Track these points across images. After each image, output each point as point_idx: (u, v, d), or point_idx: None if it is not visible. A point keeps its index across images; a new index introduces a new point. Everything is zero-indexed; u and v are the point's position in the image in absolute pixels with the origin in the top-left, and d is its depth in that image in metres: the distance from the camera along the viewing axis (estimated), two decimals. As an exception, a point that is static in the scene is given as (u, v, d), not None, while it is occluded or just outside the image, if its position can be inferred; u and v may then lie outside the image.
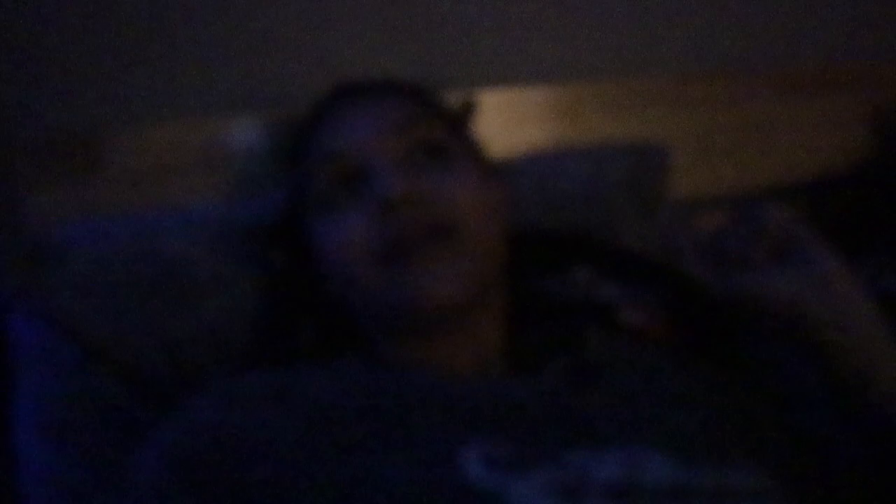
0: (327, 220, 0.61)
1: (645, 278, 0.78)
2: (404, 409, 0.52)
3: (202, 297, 0.72)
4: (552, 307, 0.76)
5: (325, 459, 0.48)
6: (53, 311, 0.70)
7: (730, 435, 0.56)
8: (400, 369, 0.60)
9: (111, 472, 0.58)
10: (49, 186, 0.80)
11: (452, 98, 0.76)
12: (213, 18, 0.88)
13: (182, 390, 0.66)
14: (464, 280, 0.57)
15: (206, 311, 0.72)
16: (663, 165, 0.96)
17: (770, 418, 0.62)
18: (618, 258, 0.82)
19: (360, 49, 0.94)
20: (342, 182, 0.61)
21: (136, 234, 0.74)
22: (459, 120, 0.73)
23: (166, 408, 0.64)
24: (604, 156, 0.92)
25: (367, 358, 0.62)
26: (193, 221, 0.77)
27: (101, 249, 0.73)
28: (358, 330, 0.65)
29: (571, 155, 0.93)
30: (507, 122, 0.96)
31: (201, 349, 0.72)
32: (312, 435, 0.50)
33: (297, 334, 0.69)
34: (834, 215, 1.06)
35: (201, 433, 0.50)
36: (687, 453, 0.49)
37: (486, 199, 0.63)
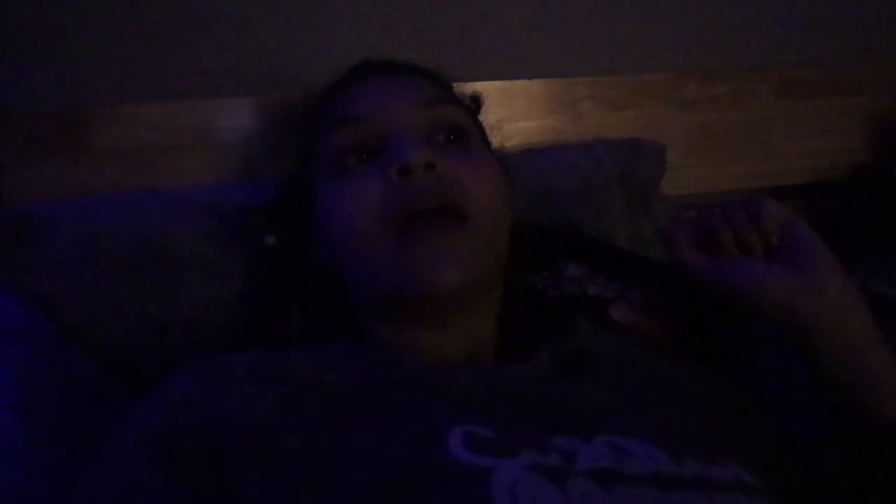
0: (340, 182, 0.60)
1: (636, 275, 0.78)
2: (392, 389, 0.51)
3: (186, 278, 0.71)
4: (543, 302, 0.75)
5: (309, 436, 0.47)
6: (32, 289, 0.68)
7: (714, 430, 0.56)
8: (389, 352, 0.59)
9: (84, 452, 0.56)
10: (33, 162, 0.79)
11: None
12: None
13: (161, 372, 0.65)
14: (468, 269, 0.56)
15: (189, 294, 0.71)
16: (659, 162, 0.95)
17: (754, 416, 0.62)
18: (610, 254, 0.81)
19: (358, 33, 0.93)
20: (359, 146, 0.60)
21: (120, 213, 0.73)
22: (474, 110, 0.73)
23: (144, 389, 0.62)
24: (600, 151, 0.91)
25: (357, 341, 0.61)
26: (179, 202, 0.75)
27: (84, 228, 0.71)
28: (349, 313, 0.64)
29: (567, 149, 0.92)
30: (504, 114, 0.95)
31: (183, 331, 0.70)
32: (296, 412, 0.49)
33: (287, 318, 0.68)
34: (829, 217, 1.05)
35: (181, 410, 0.49)
36: (672, 444, 0.49)
37: (498, 190, 0.62)
